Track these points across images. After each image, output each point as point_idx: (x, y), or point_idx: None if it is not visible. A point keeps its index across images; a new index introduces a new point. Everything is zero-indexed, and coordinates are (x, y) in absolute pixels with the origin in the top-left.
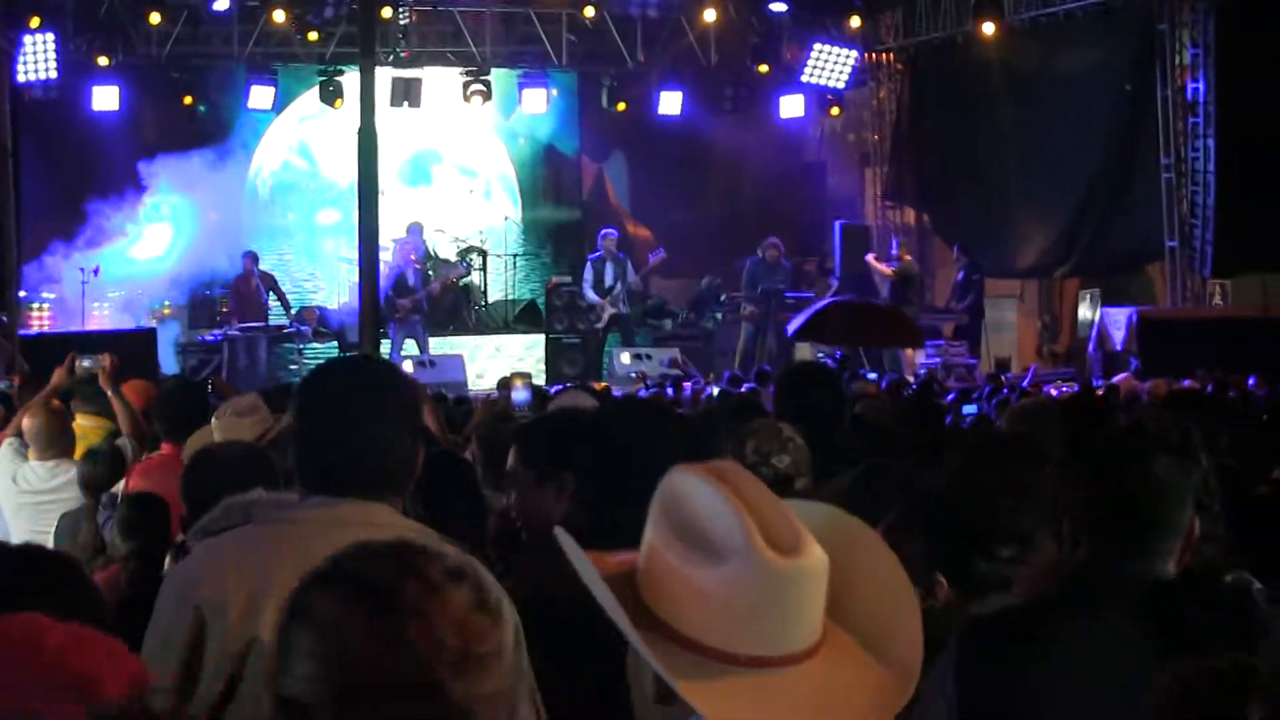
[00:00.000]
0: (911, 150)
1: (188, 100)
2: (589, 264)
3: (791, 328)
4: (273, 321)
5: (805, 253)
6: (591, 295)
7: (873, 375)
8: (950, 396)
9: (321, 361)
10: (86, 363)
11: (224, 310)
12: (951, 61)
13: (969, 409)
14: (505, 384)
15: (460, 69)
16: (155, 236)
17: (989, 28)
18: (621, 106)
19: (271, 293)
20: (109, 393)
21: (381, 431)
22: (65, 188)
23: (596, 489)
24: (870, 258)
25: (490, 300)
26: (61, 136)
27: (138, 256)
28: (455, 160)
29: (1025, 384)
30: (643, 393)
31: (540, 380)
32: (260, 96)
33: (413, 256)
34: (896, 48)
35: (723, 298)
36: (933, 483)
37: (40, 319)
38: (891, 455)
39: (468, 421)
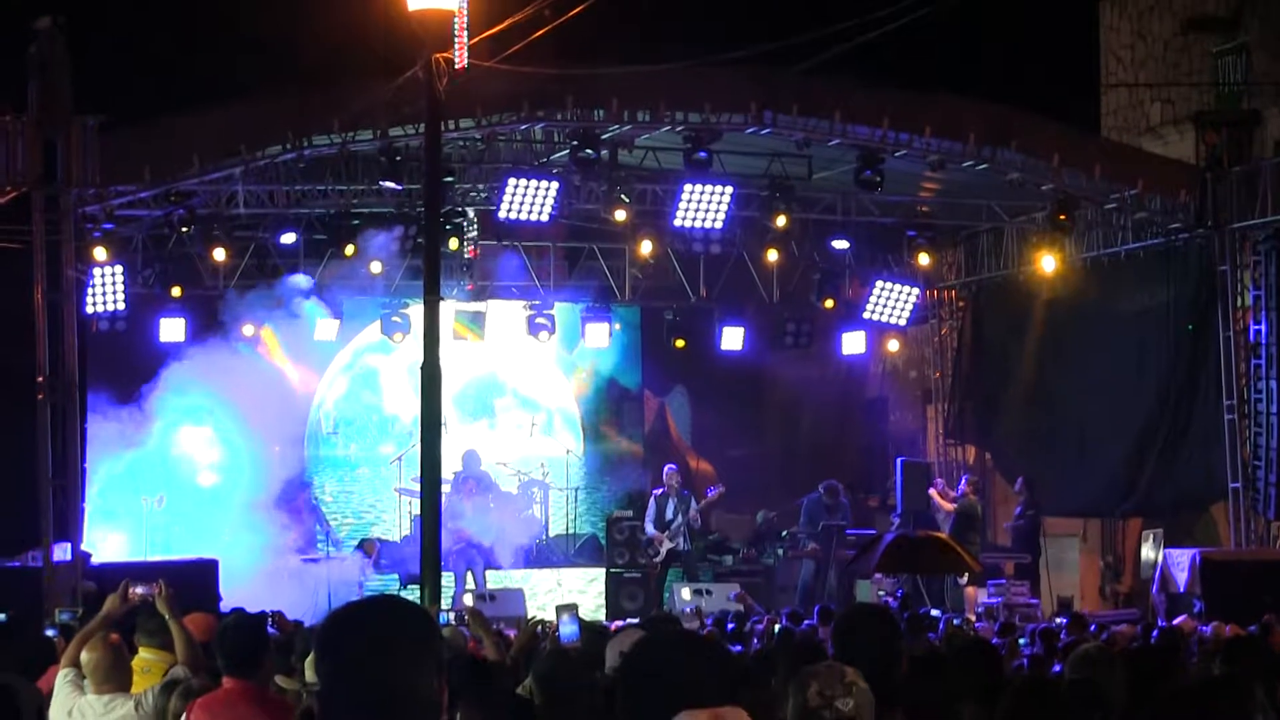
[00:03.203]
0: (973, 387)
1: (250, 331)
2: (652, 499)
3: (855, 566)
4: (332, 555)
5: (866, 489)
6: (650, 529)
7: (935, 612)
8: (1024, 638)
9: (342, 606)
10: (141, 589)
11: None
12: (1013, 299)
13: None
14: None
15: (524, 302)
16: (218, 467)
17: (1050, 265)
18: (680, 344)
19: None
20: (168, 617)
21: (410, 681)
22: (129, 418)
23: None
24: (934, 490)
25: (551, 533)
26: (127, 367)
27: (202, 485)
28: (518, 393)
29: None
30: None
31: (599, 614)
32: (325, 328)
33: (472, 489)
34: (958, 285)
35: (784, 534)
36: None
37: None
38: (948, 696)
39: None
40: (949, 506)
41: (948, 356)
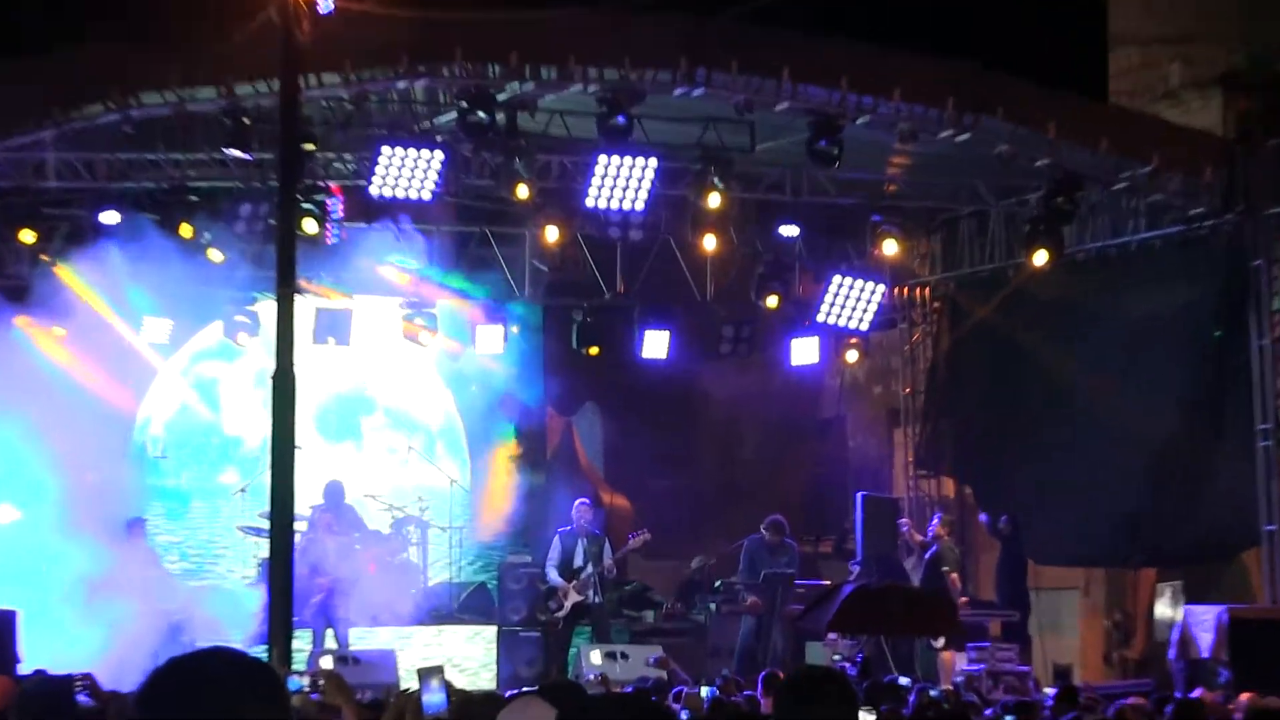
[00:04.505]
0: (950, 406)
1: (62, 331)
2: (557, 539)
3: (805, 624)
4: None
5: (819, 531)
6: (555, 578)
7: (904, 681)
8: (989, 711)
9: (168, 661)
10: None
11: None
12: (999, 300)
13: None
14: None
15: (400, 299)
16: (18, 500)
17: (1044, 258)
18: (593, 351)
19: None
20: None
21: None
22: None
23: None
24: (905, 526)
25: (431, 582)
26: None
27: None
28: (391, 410)
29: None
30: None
31: (489, 682)
32: (155, 329)
33: (334, 527)
34: (933, 282)
35: (718, 584)
36: None
37: None
38: None
39: None
40: (919, 538)
41: (920, 369)
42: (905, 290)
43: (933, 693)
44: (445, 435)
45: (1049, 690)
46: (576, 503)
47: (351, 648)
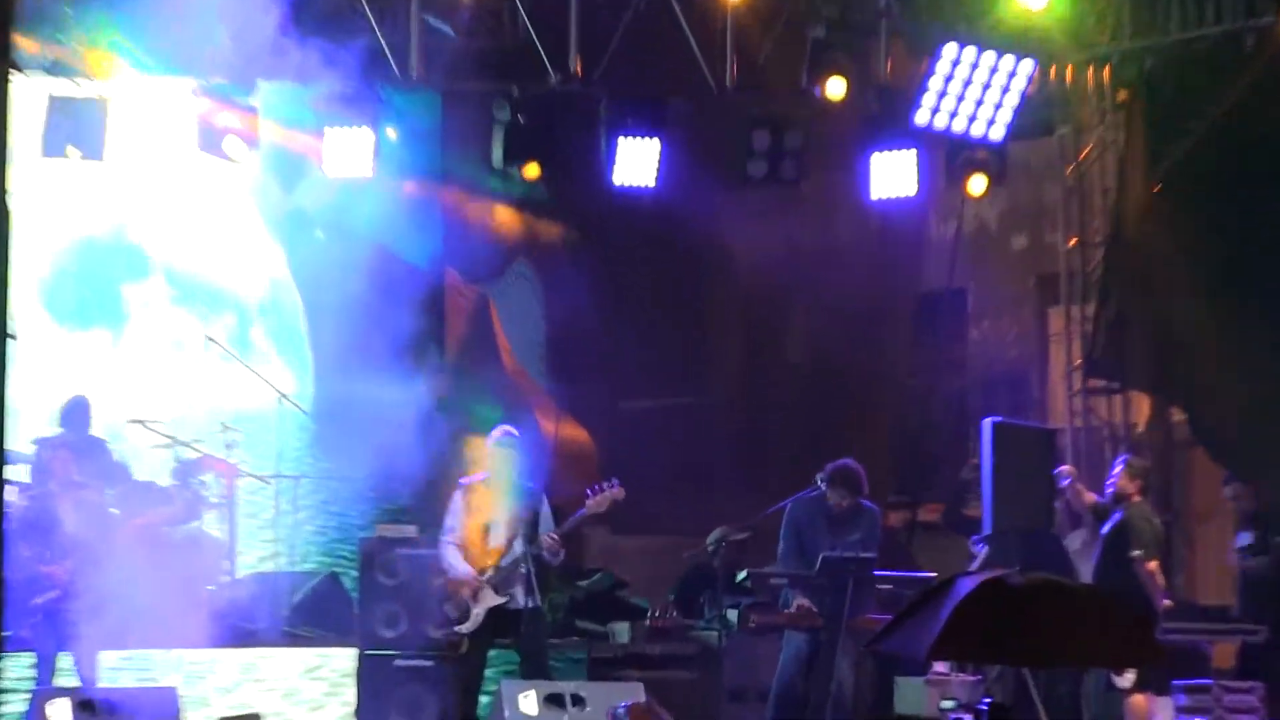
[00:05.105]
0: (1147, 274)
1: None
2: (460, 497)
3: (893, 645)
4: None
5: (917, 486)
6: (454, 564)
7: None
8: None
9: None
10: None
11: None
12: (1233, 90)
13: None
14: None
15: (195, 82)
16: None
17: None
18: (534, 170)
19: None
20: None
21: None
22: None
23: None
24: (1067, 478)
25: (242, 569)
26: None
27: None
28: (176, 274)
29: None
30: None
31: None
32: None
33: (75, 475)
34: (1118, 57)
35: (742, 576)
36: None
37: None
38: None
39: None
40: (1091, 498)
41: (1095, 207)
42: (1069, 71)
43: None
44: (270, 317)
45: None
46: (496, 433)
47: (103, 684)
